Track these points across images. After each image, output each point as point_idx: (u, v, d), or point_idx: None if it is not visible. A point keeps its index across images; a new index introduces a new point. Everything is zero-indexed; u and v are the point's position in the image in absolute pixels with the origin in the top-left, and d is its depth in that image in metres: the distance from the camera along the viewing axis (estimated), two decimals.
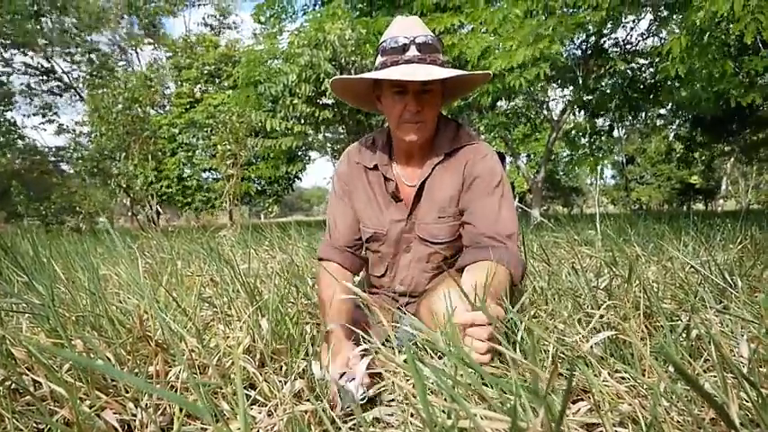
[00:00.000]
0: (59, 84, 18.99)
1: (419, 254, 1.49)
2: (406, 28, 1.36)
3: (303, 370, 1.24)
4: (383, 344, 1.13)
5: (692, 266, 1.79)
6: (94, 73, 17.34)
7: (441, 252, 1.46)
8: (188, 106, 14.02)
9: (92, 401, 0.98)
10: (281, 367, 1.28)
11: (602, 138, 11.20)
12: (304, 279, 2.15)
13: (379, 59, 1.37)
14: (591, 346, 1.07)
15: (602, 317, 1.23)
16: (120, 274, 2.38)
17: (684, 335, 1.16)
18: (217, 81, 14.79)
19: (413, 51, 1.32)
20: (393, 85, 1.34)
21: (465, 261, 1.30)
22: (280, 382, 1.11)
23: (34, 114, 18.84)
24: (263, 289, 2.04)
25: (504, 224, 1.33)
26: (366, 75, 1.35)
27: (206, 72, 14.72)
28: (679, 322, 1.37)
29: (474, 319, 0.99)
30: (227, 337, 1.32)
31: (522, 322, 1.05)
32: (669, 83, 8.25)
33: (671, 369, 1.03)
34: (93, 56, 18.17)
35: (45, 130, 20.24)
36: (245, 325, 1.34)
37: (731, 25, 4.45)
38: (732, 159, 18.19)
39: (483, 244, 1.30)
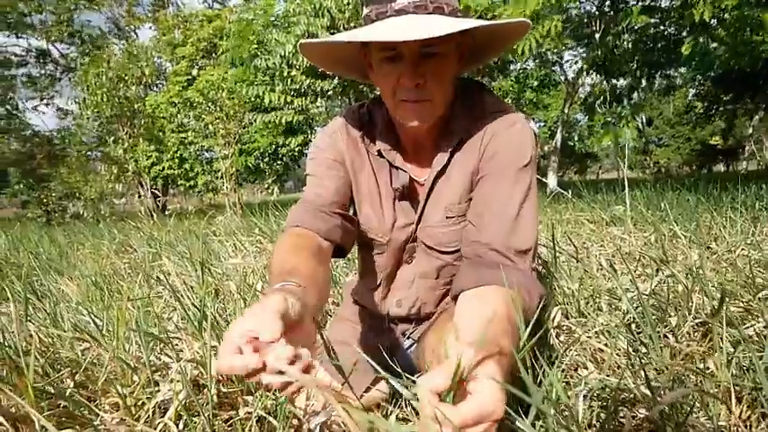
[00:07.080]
0: (56, 66, 18.63)
1: (424, 267, 1.09)
2: None
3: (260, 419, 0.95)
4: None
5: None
6: (86, 52, 16.73)
7: (454, 264, 1.06)
8: (185, 84, 13.61)
9: None
10: (232, 423, 0.98)
11: (623, 104, 10.46)
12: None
13: (364, 12, 0.94)
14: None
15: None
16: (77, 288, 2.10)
17: None
18: (214, 56, 14.27)
19: None
20: (381, 48, 0.91)
21: (463, 283, 0.88)
22: None
23: (32, 98, 18.54)
24: (237, 296, 1.74)
25: (521, 234, 0.91)
26: (333, 38, 0.91)
27: (201, 48, 14.24)
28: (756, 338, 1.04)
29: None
30: (157, 388, 1.00)
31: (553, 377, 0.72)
32: (693, 35, 7.64)
33: None
34: (83, 36, 17.64)
35: (44, 113, 19.60)
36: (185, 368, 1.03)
37: None
38: (757, 117, 17.28)
39: (488, 259, 0.90)
